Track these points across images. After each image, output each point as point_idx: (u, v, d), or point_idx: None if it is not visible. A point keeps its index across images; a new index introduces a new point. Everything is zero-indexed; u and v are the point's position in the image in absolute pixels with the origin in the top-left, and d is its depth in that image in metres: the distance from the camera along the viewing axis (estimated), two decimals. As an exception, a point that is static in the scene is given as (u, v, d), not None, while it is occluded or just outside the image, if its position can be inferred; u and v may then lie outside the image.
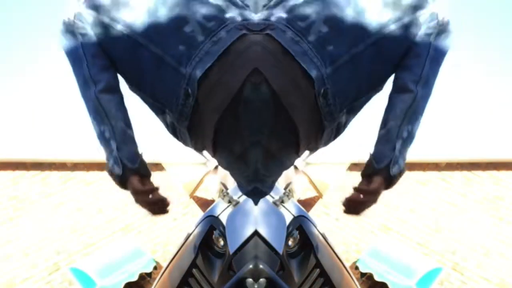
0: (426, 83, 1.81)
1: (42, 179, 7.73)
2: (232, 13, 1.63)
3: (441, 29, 1.76)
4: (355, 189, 1.92)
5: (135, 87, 1.80)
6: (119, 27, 1.68)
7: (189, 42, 1.62)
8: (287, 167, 1.81)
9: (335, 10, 1.65)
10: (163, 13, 1.65)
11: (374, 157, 1.86)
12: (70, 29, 1.74)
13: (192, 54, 1.61)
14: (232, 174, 1.83)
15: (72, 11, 1.74)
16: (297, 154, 1.77)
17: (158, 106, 1.76)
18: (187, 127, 1.72)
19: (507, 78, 14.50)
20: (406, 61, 1.77)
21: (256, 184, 1.76)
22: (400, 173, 1.88)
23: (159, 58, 1.66)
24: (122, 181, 1.87)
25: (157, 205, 1.96)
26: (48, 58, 14.33)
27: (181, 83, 1.63)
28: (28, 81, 14.38)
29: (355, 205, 1.94)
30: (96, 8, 1.71)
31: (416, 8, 1.72)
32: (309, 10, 1.64)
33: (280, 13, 1.63)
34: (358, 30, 1.67)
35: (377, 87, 1.81)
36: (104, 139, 1.84)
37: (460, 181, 7.75)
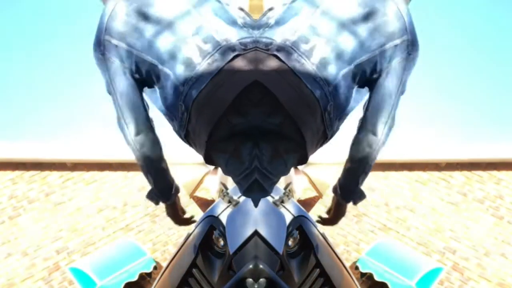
0: (393, 119, 2.07)
1: (42, 179, 7.73)
2: (228, 35, 1.78)
3: (410, 58, 1.98)
4: (325, 219, 2.44)
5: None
6: (135, 52, 1.89)
7: (187, 62, 1.79)
8: (287, 171, 1.92)
9: (334, 33, 1.84)
10: (168, 36, 1.84)
11: (341, 194, 2.28)
12: (100, 58, 1.96)
13: (188, 75, 1.78)
14: (232, 177, 1.93)
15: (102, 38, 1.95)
16: (303, 161, 1.92)
17: (168, 115, 1.94)
18: (184, 136, 1.91)
19: (507, 78, 14.50)
20: (379, 101, 2.02)
21: (255, 176, 1.86)
22: (361, 200, 2.28)
23: (166, 75, 1.86)
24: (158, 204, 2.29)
25: (183, 223, 2.49)
26: (50, 58, 14.33)
27: (179, 99, 1.81)
28: (29, 80, 14.38)
29: (328, 223, 2.45)
30: (117, 35, 1.91)
31: (393, 35, 1.93)
32: (311, 33, 1.81)
33: (284, 34, 1.78)
34: (350, 52, 1.87)
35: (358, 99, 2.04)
36: (143, 171, 2.16)
37: (460, 181, 7.75)
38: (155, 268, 6.85)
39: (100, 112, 14.23)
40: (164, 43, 1.84)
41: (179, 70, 1.80)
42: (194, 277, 2.46)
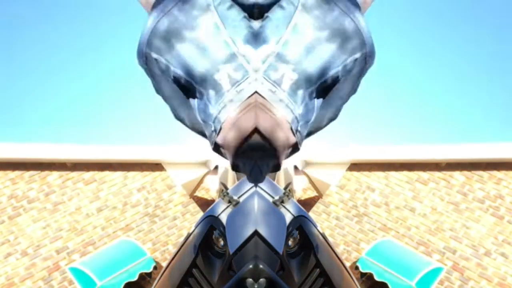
0: (337, 115, 2.29)
1: (41, 179, 7.73)
2: (256, 63, 1.98)
3: (367, 67, 2.17)
4: None
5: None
6: (172, 68, 2.08)
7: (217, 88, 2.00)
8: (262, 178, 2.11)
9: (300, 59, 2.04)
10: (202, 60, 2.03)
11: None
12: (144, 67, 2.15)
13: (218, 99, 1.98)
14: (254, 183, 2.14)
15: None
16: (277, 169, 2.09)
17: (203, 125, 2.13)
18: (213, 149, 2.07)
19: (508, 77, 14.51)
20: (330, 100, 2.22)
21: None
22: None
23: (200, 92, 2.05)
24: None
25: None
26: (50, 57, 14.34)
27: (210, 119, 2.02)
28: (31, 80, 14.38)
29: None
30: (156, 50, 2.10)
31: (354, 50, 2.11)
32: (279, 61, 2.01)
33: (257, 64, 1.99)
34: (316, 74, 2.06)
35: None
36: None
37: (460, 181, 7.75)
38: (155, 268, 6.84)
39: (100, 112, 14.21)
40: (197, 67, 2.02)
41: (211, 94, 2.00)
42: (194, 277, 2.46)
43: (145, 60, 2.11)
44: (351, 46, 2.09)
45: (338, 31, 2.08)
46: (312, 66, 2.05)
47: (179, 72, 2.06)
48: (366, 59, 2.13)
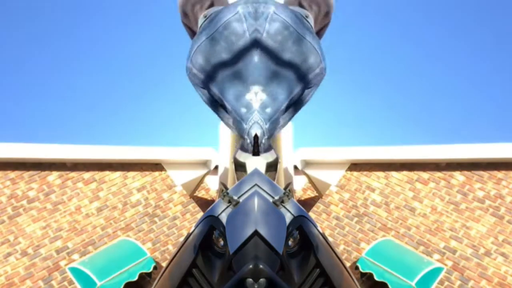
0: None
1: (41, 179, 7.73)
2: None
3: (323, 77, 2.55)
4: None
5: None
6: (208, 84, 2.41)
7: (248, 106, 2.32)
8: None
9: (268, 80, 2.35)
10: (237, 83, 2.35)
11: None
12: (189, 79, 2.53)
13: (249, 116, 2.31)
14: None
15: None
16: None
17: (237, 132, 2.46)
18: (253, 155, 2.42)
19: (508, 77, 14.52)
20: (297, 107, 2.55)
21: None
22: None
23: (231, 111, 2.36)
24: None
25: None
26: (50, 56, 14.32)
27: (243, 133, 2.35)
28: (31, 80, 14.39)
29: None
30: (198, 66, 2.44)
31: (315, 65, 2.46)
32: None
33: None
34: (283, 92, 2.38)
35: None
36: None
37: (460, 181, 7.75)
38: (155, 268, 6.84)
39: (100, 112, 14.21)
40: (232, 88, 2.33)
41: (242, 111, 2.33)
42: (194, 277, 2.47)
43: (189, 73, 2.46)
44: (311, 62, 2.41)
45: (299, 51, 2.39)
46: (278, 86, 2.35)
47: (214, 89, 2.37)
48: (323, 72, 2.48)
